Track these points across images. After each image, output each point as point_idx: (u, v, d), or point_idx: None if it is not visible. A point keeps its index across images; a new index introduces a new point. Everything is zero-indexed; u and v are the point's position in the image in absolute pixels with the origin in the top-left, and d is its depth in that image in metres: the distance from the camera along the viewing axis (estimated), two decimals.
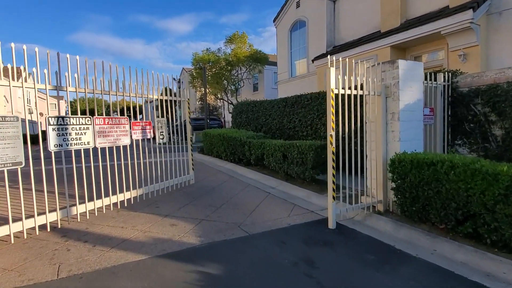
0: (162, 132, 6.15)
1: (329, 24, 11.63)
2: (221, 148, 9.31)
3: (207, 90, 33.50)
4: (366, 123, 4.63)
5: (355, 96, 4.39)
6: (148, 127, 5.61)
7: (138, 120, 5.43)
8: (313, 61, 11.93)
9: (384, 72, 4.52)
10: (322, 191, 5.56)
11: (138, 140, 5.40)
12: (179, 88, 22.92)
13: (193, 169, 6.81)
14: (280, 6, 14.55)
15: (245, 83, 23.63)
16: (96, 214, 4.49)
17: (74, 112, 60.81)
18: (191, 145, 6.82)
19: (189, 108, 6.84)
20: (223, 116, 29.95)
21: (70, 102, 58.76)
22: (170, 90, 6.54)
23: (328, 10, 11.56)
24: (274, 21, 14.96)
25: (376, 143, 4.48)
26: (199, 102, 37.03)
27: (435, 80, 5.37)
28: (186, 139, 6.94)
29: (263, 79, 24.34)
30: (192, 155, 6.82)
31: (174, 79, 21.76)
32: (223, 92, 23.50)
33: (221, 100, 25.77)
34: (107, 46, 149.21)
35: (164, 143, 6.09)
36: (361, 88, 4.54)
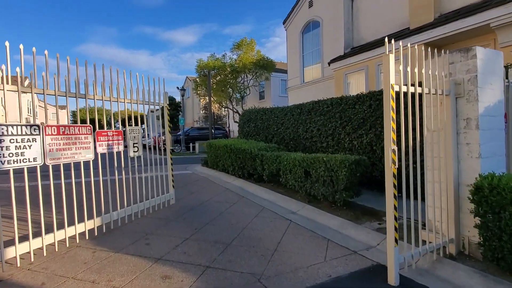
0: (136, 143, 5.05)
1: (346, 24, 10.62)
2: (228, 161, 8.17)
3: (211, 99, 32.68)
4: (424, 132, 3.47)
5: (419, 95, 3.22)
6: (117, 137, 4.50)
7: (105, 130, 4.33)
8: (329, 64, 10.88)
9: (453, 65, 3.37)
10: (358, 219, 4.38)
11: (106, 153, 4.31)
12: (183, 96, 21.98)
13: (173, 186, 5.68)
14: (286, 11, 13.69)
15: (251, 91, 22.66)
16: (45, 254, 3.33)
17: (76, 123, 60.41)
18: (170, 158, 5.68)
19: (168, 115, 5.76)
20: (227, 125, 28.92)
21: (73, 111, 58.18)
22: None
23: (346, 8, 10.58)
24: (284, 23, 14.02)
25: (443, 160, 3.30)
26: (203, 111, 36.16)
27: (506, 77, 4.22)
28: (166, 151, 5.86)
29: (269, 86, 23.37)
30: (172, 170, 5.66)
31: (178, 88, 20.64)
32: (228, 100, 22.52)
33: (226, 109, 24.77)
34: (112, 57, 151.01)
35: (139, 156, 4.97)
36: (419, 85, 3.38)
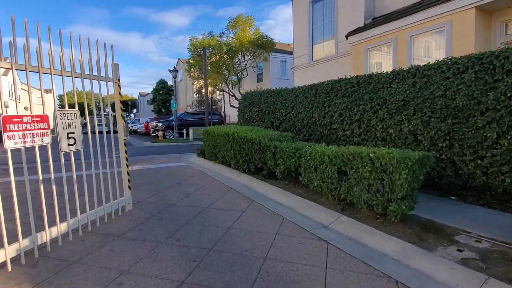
0: (72, 133, 3.67)
1: None
2: (230, 153, 6.80)
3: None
4: None
5: None
6: (38, 125, 3.09)
7: (19, 115, 2.90)
8: (347, 37, 9.39)
9: None
10: (421, 239, 3.13)
11: (23, 148, 2.94)
12: (175, 78, 20.27)
13: (129, 187, 4.31)
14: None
15: (249, 73, 21.01)
16: None
17: (64, 107, 57.84)
18: (125, 151, 4.27)
19: (120, 94, 4.33)
20: (223, 110, 27.35)
21: (60, 95, 56.08)
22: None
23: None
24: None
25: None
26: (197, 95, 34.40)
27: None
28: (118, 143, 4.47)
29: (268, 68, 21.74)
30: (127, 167, 4.28)
31: (170, 70, 18.94)
32: (224, 83, 20.89)
33: (222, 92, 23.15)
34: (103, 39, 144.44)
35: (78, 150, 3.56)
36: None
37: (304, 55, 12.09)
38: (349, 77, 6.29)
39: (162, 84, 44.50)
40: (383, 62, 8.46)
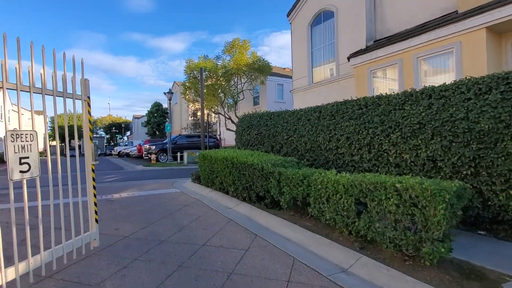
0: (26, 158, 3.13)
1: (369, 13, 9.04)
2: (229, 179, 6.26)
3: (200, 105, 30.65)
4: None
5: None
6: None
7: None
8: (349, 59, 9.20)
9: None
10: None
11: None
12: (170, 100, 19.97)
13: (97, 221, 3.72)
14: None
15: (245, 96, 20.86)
16: None
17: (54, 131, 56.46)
18: (92, 179, 3.71)
19: (89, 113, 3.84)
20: (218, 133, 26.95)
21: (52, 117, 55.45)
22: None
23: None
24: (288, 15, 12.36)
25: None
26: (192, 118, 34.11)
27: None
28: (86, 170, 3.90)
29: (265, 91, 21.65)
30: (95, 196, 3.72)
31: (165, 93, 18.63)
32: (220, 106, 20.64)
33: (217, 115, 22.85)
34: (99, 63, 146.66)
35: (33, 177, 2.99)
36: None
37: (303, 78, 11.89)
38: (356, 98, 5.95)
39: (157, 106, 44.30)
40: (388, 84, 8.22)
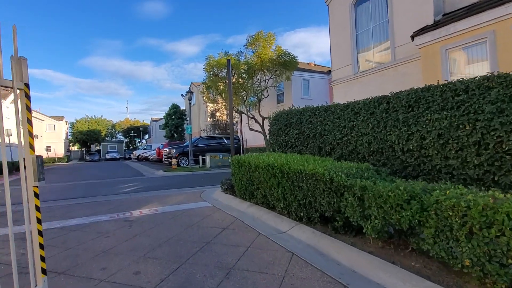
0: None
1: None
2: (276, 192, 4.87)
3: (220, 104, 29.47)
4: None
5: None
6: None
7: None
8: (413, 37, 7.61)
9: None
10: None
11: None
12: (190, 100, 18.86)
13: (44, 271, 2.22)
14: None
15: (269, 93, 19.46)
16: None
17: (75, 135, 57.28)
18: (36, 209, 2.19)
19: (28, 108, 2.40)
20: (240, 134, 25.68)
21: (72, 123, 56.36)
22: None
23: None
24: None
25: None
26: (211, 119, 33.06)
27: None
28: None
29: (290, 88, 20.16)
30: (40, 235, 2.23)
31: (182, 95, 17.58)
32: (242, 104, 19.34)
33: (240, 115, 21.57)
34: (117, 69, 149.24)
35: None
36: None
37: (346, 67, 10.32)
38: (447, 82, 4.41)
39: (174, 108, 43.67)
40: (471, 67, 6.58)
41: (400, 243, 3.36)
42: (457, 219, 2.45)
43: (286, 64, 17.42)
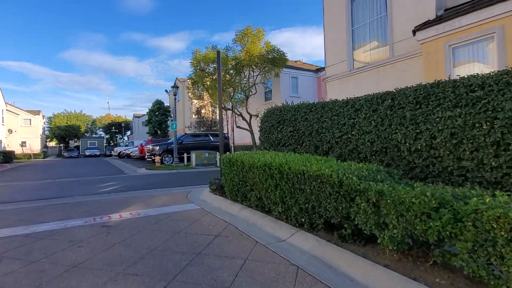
0: None
1: None
2: (274, 195, 4.41)
3: (206, 101, 28.70)
4: None
5: None
6: None
7: None
8: (414, 32, 7.31)
9: None
10: None
11: None
12: (175, 96, 18.10)
13: None
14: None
15: (257, 90, 18.97)
16: None
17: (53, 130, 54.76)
18: None
19: None
20: (226, 131, 25.10)
21: (50, 118, 53.95)
22: None
23: None
24: None
25: None
26: (196, 116, 32.22)
27: None
28: None
29: (278, 85, 19.76)
30: None
31: (167, 91, 17.14)
32: (228, 101, 18.77)
33: (227, 112, 20.98)
34: (99, 63, 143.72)
35: None
36: None
37: (341, 63, 9.97)
38: (462, 77, 4.09)
39: (158, 104, 42.37)
40: (478, 62, 6.32)
41: (419, 254, 2.97)
42: (502, 233, 2.07)
43: (275, 60, 16.99)
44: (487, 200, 2.25)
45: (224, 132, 24.88)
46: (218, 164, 16.03)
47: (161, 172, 13.35)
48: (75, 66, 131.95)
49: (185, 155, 16.93)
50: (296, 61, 25.09)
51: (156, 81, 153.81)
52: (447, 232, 2.39)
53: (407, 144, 4.59)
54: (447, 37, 6.58)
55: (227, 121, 22.38)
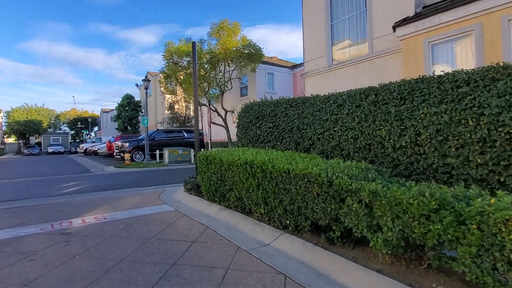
0: None
1: None
2: (255, 195, 4.11)
3: (179, 96, 27.77)
4: None
5: None
6: None
7: None
8: (394, 28, 7.26)
9: None
10: None
11: None
12: (147, 89, 17.19)
13: None
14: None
15: (232, 86, 18.54)
16: None
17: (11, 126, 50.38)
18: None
19: None
20: (201, 127, 24.43)
21: (8, 112, 50.03)
22: None
23: None
24: None
25: None
26: (169, 111, 31.16)
27: None
28: None
29: (254, 81, 19.46)
30: None
31: (137, 85, 16.10)
32: (203, 97, 18.19)
33: (201, 108, 20.36)
34: (64, 54, 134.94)
35: None
36: None
37: (319, 58, 9.81)
38: (447, 73, 4.02)
39: (128, 99, 40.49)
40: (458, 58, 6.37)
41: (412, 257, 2.81)
42: (511, 237, 1.91)
43: (252, 55, 16.65)
44: (492, 201, 2.09)
45: (200, 128, 24.21)
46: (192, 162, 15.48)
47: (131, 170, 12.60)
48: (37, 58, 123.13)
49: (158, 152, 16.18)
50: (271, 57, 24.92)
51: (126, 75, 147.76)
52: (449, 236, 2.22)
53: (391, 140, 4.47)
54: (426, 33, 6.61)
55: (202, 117, 21.77)
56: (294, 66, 22.12)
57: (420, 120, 4.13)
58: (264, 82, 19.62)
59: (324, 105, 5.64)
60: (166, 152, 14.97)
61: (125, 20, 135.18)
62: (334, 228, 3.23)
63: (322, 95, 5.84)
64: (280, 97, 6.91)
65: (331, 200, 3.14)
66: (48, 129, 62.12)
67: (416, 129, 4.17)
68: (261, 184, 4.01)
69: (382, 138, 4.59)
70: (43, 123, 55.51)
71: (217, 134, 21.11)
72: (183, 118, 29.92)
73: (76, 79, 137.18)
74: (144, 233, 4.01)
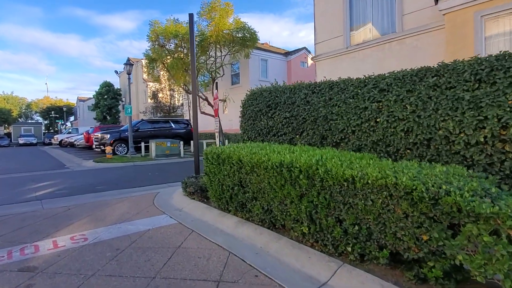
0: None
1: None
2: (295, 208, 3.03)
3: (163, 84, 25.97)
4: None
5: None
6: None
7: None
8: (437, 0, 6.23)
9: None
10: None
11: None
12: (129, 75, 15.53)
13: None
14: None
15: (224, 72, 17.18)
16: None
17: None
18: None
19: None
20: (188, 117, 22.95)
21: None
22: None
23: None
24: None
25: None
26: (152, 100, 29.31)
27: None
28: None
29: (247, 67, 18.15)
30: None
31: (117, 72, 14.39)
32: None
33: (187, 96, 18.88)
34: (36, 40, 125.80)
35: None
36: None
37: (334, 39, 8.66)
38: None
39: (107, 87, 37.95)
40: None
41: None
42: None
43: (246, 40, 15.32)
44: None
45: (186, 118, 22.69)
46: (182, 155, 14.18)
47: (114, 166, 11.18)
48: (6, 43, 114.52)
49: (143, 144, 14.73)
50: (263, 44, 23.59)
51: (103, 62, 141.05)
52: None
53: (462, 134, 3.50)
54: (478, 5, 5.65)
55: (189, 106, 20.30)
56: (287, 53, 20.95)
57: (509, 109, 3.16)
58: (257, 69, 18.36)
59: (359, 90, 4.59)
60: (152, 145, 13.57)
61: (102, 4, 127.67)
62: (431, 264, 2.22)
63: (354, 78, 4.78)
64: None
65: (432, 225, 2.12)
66: (19, 119, 58.08)
67: (502, 120, 3.20)
68: (305, 195, 2.93)
69: (449, 131, 3.60)
70: (13, 112, 51.68)
71: (206, 125, 19.76)
72: (168, 107, 28.21)
73: (49, 65, 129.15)
74: (143, 267, 2.85)
